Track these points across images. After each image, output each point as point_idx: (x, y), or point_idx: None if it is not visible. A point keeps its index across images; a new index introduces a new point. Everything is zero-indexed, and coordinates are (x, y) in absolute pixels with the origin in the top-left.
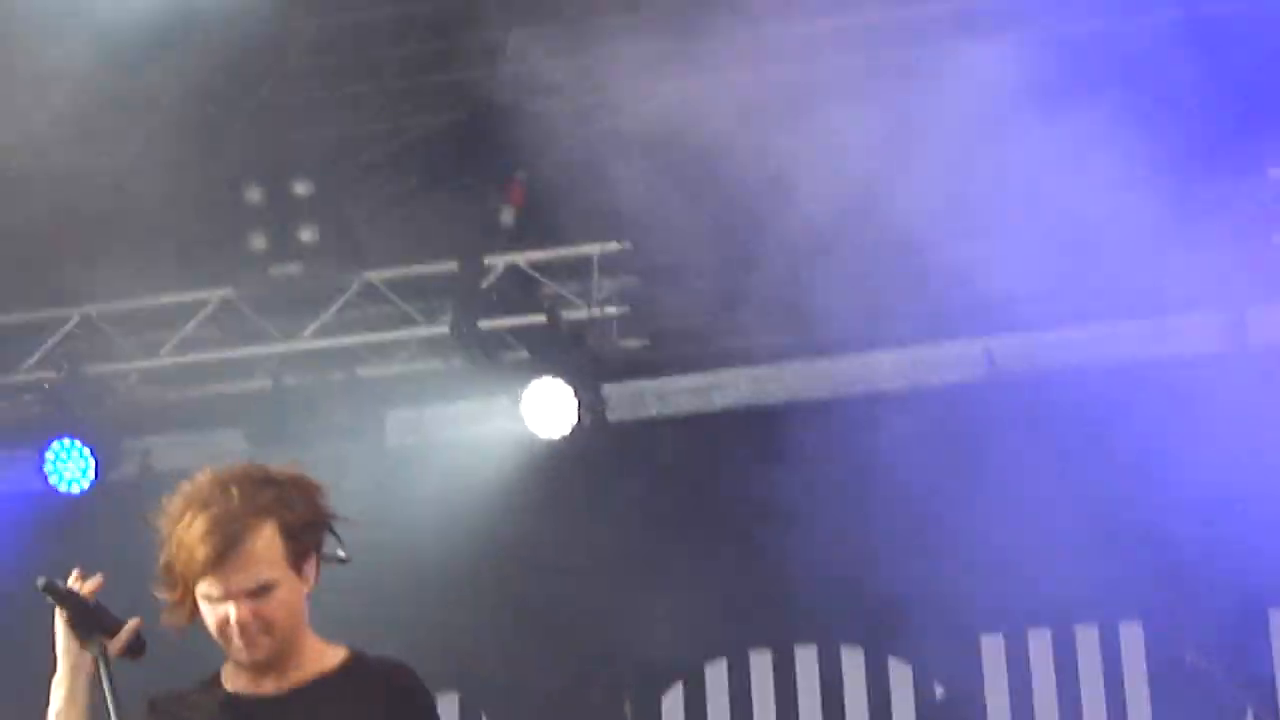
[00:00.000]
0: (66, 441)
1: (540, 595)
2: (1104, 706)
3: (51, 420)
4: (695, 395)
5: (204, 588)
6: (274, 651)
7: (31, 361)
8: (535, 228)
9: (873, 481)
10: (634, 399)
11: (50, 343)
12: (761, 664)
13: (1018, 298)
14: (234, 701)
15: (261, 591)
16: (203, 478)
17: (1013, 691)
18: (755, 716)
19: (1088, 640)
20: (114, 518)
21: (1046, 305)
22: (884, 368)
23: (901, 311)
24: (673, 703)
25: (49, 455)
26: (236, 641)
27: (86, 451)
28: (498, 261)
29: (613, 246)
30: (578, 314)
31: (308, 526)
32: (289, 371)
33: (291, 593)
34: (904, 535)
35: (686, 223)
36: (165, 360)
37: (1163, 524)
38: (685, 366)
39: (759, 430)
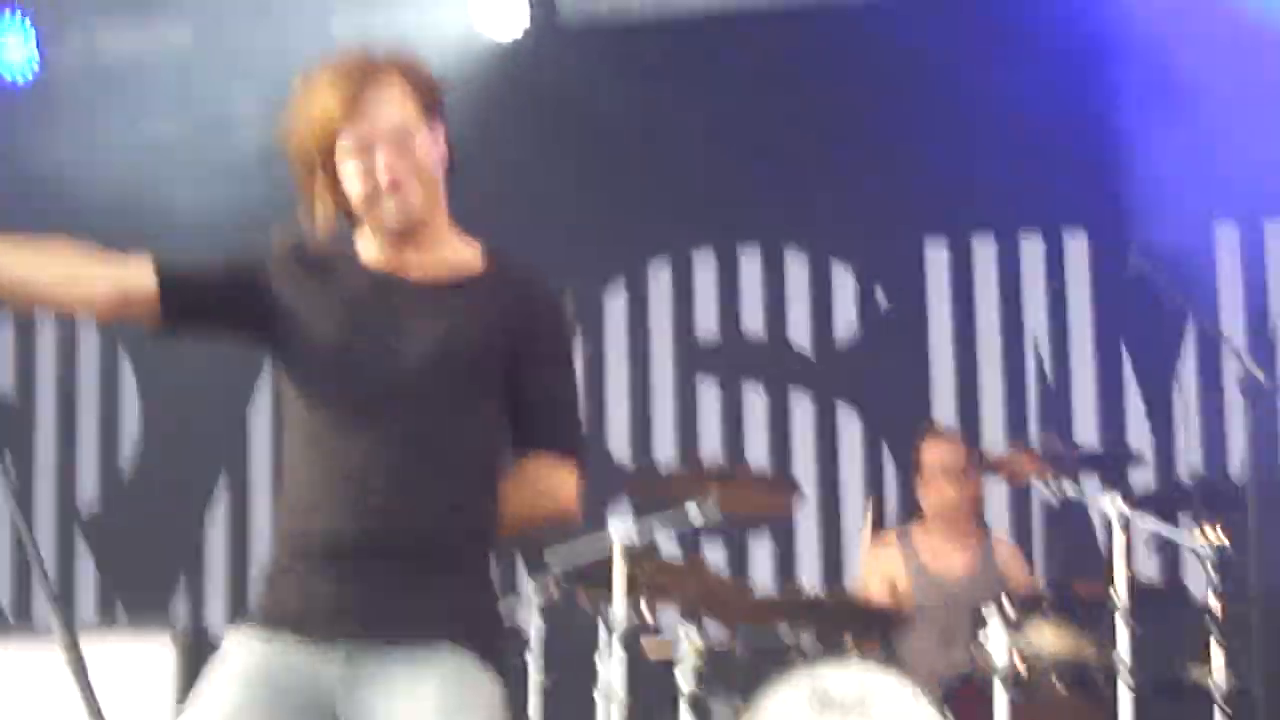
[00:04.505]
0: (6, 14)
1: (475, 196)
2: (1045, 313)
3: None
4: None
5: (343, 143)
6: (424, 208)
7: None
8: None
9: (821, 90)
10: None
11: None
12: (705, 262)
13: None
14: (384, 282)
15: (404, 135)
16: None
17: (955, 297)
18: (697, 313)
19: (1032, 247)
20: (60, 107)
21: None
22: None
23: None
24: (614, 299)
25: None
26: (386, 195)
27: (28, 23)
28: None
29: None
30: None
31: (431, 86)
32: None
33: (432, 147)
34: (851, 142)
35: None
36: None
37: (1106, 132)
38: None
39: (715, 40)
